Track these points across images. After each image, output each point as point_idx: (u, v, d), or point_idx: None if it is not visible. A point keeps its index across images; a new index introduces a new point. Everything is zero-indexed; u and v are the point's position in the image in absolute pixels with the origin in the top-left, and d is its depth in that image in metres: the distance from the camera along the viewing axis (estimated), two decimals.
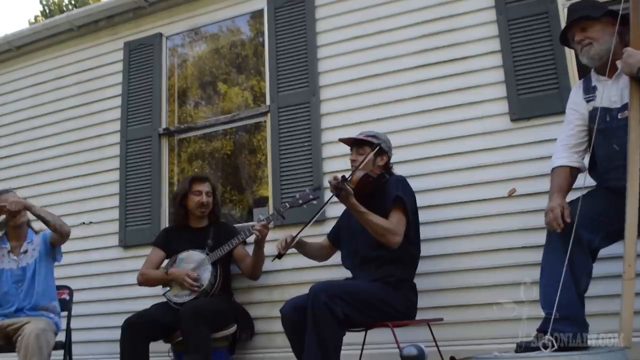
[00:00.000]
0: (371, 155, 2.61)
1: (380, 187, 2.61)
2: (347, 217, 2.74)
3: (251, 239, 3.09)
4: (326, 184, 2.96)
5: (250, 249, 3.17)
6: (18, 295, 3.01)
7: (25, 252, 3.11)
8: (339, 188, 2.40)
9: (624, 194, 1.99)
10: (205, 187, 3.25)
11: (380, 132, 2.80)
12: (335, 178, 2.42)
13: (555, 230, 2.07)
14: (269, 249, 3.23)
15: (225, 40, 4.33)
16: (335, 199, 2.48)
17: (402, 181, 2.64)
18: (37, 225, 3.23)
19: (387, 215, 2.51)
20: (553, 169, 2.24)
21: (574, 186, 2.22)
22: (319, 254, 2.93)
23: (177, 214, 3.32)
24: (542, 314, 2.05)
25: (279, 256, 2.67)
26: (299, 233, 2.70)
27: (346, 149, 2.84)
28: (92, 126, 4.12)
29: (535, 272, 2.17)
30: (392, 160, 2.81)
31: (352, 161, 2.72)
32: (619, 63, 2.10)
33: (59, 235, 3.06)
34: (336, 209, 2.94)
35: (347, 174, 2.49)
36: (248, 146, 4.39)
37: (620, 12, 2.12)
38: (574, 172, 2.22)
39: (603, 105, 2.16)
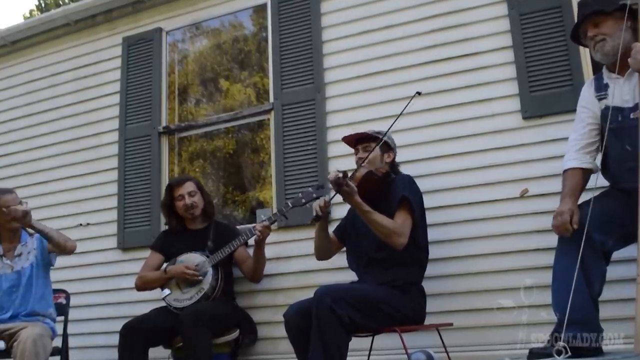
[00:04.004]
0: (377, 149, 2.53)
1: (385, 186, 2.56)
2: (352, 216, 2.69)
3: (252, 240, 3.04)
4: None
5: (252, 251, 3.12)
6: (13, 301, 2.91)
7: (20, 255, 2.99)
8: (338, 183, 2.33)
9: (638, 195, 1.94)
10: (185, 189, 3.18)
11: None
12: (336, 172, 2.34)
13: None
14: (273, 251, 3.21)
15: (227, 35, 4.30)
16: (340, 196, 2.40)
17: (409, 180, 2.59)
18: None
19: (393, 216, 2.45)
20: (565, 171, 2.21)
21: (586, 187, 2.19)
22: (328, 244, 2.77)
23: (170, 223, 3.29)
24: (555, 318, 2.03)
25: (317, 218, 2.52)
26: (334, 195, 2.50)
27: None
28: (90, 124, 4.06)
29: (549, 275, 2.14)
30: (399, 160, 2.77)
31: (359, 159, 2.65)
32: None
33: (63, 251, 2.93)
34: (341, 210, 2.91)
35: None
36: (251, 145, 4.38)
37: (633, 7, 2.09)
38: (586, 173, 2.19)
39: (615, 104, 2.12)
